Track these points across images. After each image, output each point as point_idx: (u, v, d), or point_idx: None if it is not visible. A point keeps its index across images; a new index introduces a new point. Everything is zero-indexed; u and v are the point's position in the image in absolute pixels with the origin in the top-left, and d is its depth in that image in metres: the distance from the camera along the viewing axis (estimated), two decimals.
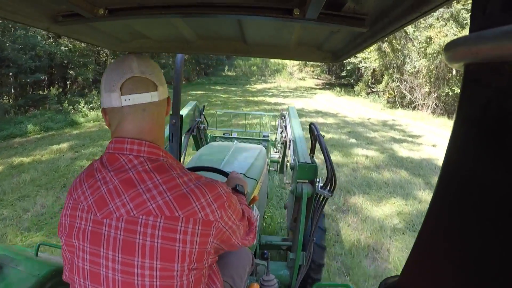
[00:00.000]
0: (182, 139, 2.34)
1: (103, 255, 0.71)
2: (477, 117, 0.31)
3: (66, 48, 11.68)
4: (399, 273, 0.43)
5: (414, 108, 15.53)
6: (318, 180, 1.85)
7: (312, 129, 1.99)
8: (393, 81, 16.54)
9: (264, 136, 4.17)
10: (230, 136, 4.02)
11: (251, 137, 4.18)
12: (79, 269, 0.76)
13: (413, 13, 0.67)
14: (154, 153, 0.78)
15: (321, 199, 1.85)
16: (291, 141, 2.63)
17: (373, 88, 18.90)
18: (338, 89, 20.58)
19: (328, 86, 22.93)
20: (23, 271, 1.44)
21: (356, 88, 19.88)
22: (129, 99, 0.77)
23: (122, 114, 0.79)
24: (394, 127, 10.63)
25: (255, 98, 15.67)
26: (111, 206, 0.72)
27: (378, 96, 17.86)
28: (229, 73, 24.63)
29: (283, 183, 4.47)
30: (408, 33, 14.63)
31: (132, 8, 0.96)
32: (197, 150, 3.20)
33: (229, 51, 1.54)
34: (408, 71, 15.63)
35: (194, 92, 16.29)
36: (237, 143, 3.04)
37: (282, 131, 3.69)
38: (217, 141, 3.67)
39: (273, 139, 4.38)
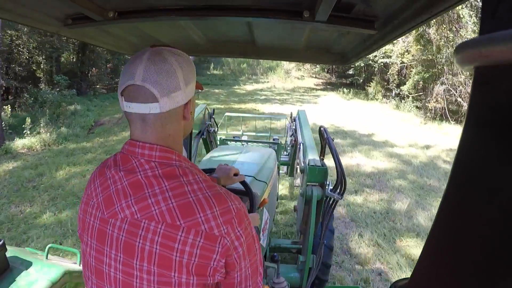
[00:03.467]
0: (192, 143, 2.50)
1: (106, 254, 0.74)
2: (487, 120, 0.32)
3: None
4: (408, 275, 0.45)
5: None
6: (328, 183, 1.90)
7: (322, 132, 2.07)
8: (442, 83, 13.13)
9: (274, 139, 4.25)
10: (240, 139, 4.19)
11: (261, 140, 4.31)
12: (88, 263, 0.80)
13: (423, 15, 0.71)
14: (166, 157, 0.77)
15: (331, 201, 1.91)
16: (301, 144, 2.71)
17: (394, 90, 15.91)
18: (345, 90, 18.01)
19: (330, 86, 20.49)
20: (33, 274, 1.56)
21: (370, 90, 16.87)
22: (130, 107, 0.76)
23: (128, 118, 0.80)
24: None
25: (242, 106, 12.72)
26: (117, 206, 0.74)
27: (403, 101, 15.00)
28: (215, 72, 21.76)
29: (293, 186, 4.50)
30: (462, 16, 11.58)
31: (142, 11, 1.03)
32: (207, 153, 3.27)
33: (239, 54, 1.66)
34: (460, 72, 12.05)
35: None
36: (247, 146, 3.27)
37: (292, 134, 3.83)
38: (227, 144, 3.79)
39: (283, 142, 4.46)
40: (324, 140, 2.02)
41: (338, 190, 1.80)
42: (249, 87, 18.96)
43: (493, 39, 0.28)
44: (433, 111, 13.40)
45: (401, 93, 15.57)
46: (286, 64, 22.37)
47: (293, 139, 3.74)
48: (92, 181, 0.84)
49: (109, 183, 0.78)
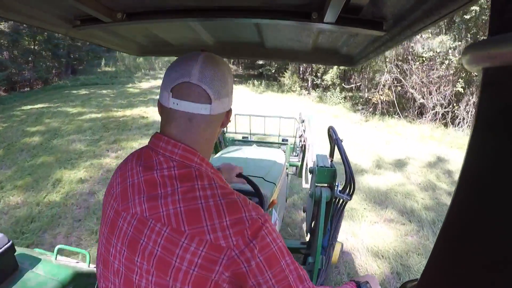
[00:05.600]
0: None
1: (113, 244, 0.77)
2: (496, 122, 0.32)
3: None
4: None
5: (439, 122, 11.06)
6: (337, 184, 1.92)
7: (331, 133, 2.09)
8: (389, 72, 11.79)
9: (283, 140, 4.33)
10: (249, 139, 4.29)
11: (270, 141, 4.52)
12: (100, 251, 0.83)
13: (432, 16, 0.72)
14: (188, 158, 0.78)
15: (340, 202, 1.95)
16: (310, 145, 2.85)
17: (315, 80, 14.77)
18: (255, 82, 16.66)
19: (238, 79, 18.92)
20: (42, 274, 1.61)
21: (285, 81, 15.68)
22: (177, 104, 0.77)
23: (169, 115, 0.81)
24: None
25: (128, 112, 10.10)
26: (131, 201, 0.76)
27: (328, 92, 13.86)
28: (107, 69, 19.46)
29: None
30: None
31: (150, 12, 1.05)
32: (215, 154, 3.29)
33: (248, 55, 1.70)
34: (419, 55, 11.09)
35: (29, 107, 10.35)
36: (256, 147, 3.26)
37: (301, 135, 3.90)
38: (236, 145, 3.80)
39: (292, 143, 4.51)
40: (333, 141, 2.05)
41: (347, 191, 1.84)
42: (145, 84, 16.75)
43: (502, 40, 0.28)
44: (379, 105, 12.39)
45: (323, 83, 14.57)
46: None
47: (302, 140, 3.77)
48: (116, 171, 0.86)
49: (127, 175, 0.80)
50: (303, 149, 3.64)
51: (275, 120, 4.64)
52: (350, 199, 1.87)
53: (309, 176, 2.32)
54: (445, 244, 0.40)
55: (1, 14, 1.00)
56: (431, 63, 11.20)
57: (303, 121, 3.94)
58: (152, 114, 10.10)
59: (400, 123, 11.44)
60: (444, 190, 5.67)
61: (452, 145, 9.27)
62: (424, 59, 11.11)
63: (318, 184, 2.02)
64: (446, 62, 10.73)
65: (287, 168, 3.42)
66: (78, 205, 4.40)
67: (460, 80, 10.79)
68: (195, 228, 0.68)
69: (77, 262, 2.03)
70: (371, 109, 12.44)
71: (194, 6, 0.99)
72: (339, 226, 2.47)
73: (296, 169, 4.27)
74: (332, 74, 13.78)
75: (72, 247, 2.29)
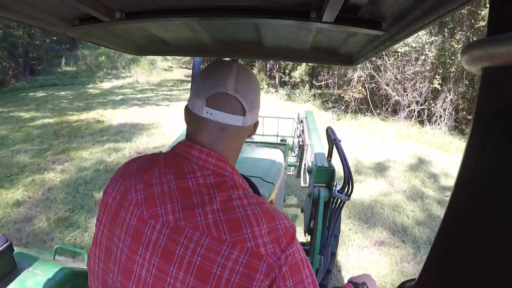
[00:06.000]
0: None
1: (141, 254, 0.74)
2: (495, 122, 0.32)
3: None
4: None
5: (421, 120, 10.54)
6: (335, 184, 1.93)
7: (329, 133, 2.12)
8: (362, 69, 11.21)
9: (282, 140, 4.24)
10: (247, 140, 4.17)
11: (269, 141, 4.26)
12: (117, 258, 0.79)
13: (431, 16, 0.73)
14: (221, 167, 0.79)
15: (338, 202, 1.97)
16: (308, 145, 2.80)
17: (283, 77, 14.25)
18: None
19: None
20: (40, 274, 1.61)
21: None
22: (211, 114, 0.79)
23: (200, 123, 0.81)
24: None
25: (83, 116, 9.36)
26: (160, 209, 0.74)
27: (297, 90, 13.53)
28: (68, 68, 18.43)
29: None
30: None
31: (149, 11, 1.06)
32: None
33: (246, 54, 1.69)
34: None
35: None
36: (254, 147, 3.30)
37: (300, 135, 3.97)
38: None
39: (291, 143, 4.51)
40: (331, 141, 2.07)
41: (345, 191, 1.85)
42: (107, 84, 16.11)
43: (501, 40, 0.29)
44: (352, 102, 11.90)
45: (291, 80, 14.08)
46: None
47: (301, 140, 3.81)
48: (133, 174, 0.83)
49: (154, 182, 0.78)
50: (302, 149, 3.67)
51: (273, 120, 4.68)
52: (349, 199, 1.87)
53: (307, 176, 2.34)
54: (444, 244, 0.40)
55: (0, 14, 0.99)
56: (406, 58, 10.78)
57: (301, 121, 3.97)
58: (109, 117, 9.59)
59: (373, 121, 11.09)
60: (433, 199, 5.35)
61: (431, 144, 8.94)
62: (398, 54, 10.67)
63: (317, 184, 2.02)
64: (422, 57, 10.31)
65: (285, 168, 3.45)
66: (9, 236, 3.75)
67: (437, 76, 10.43)
68: (236, 237, 0.69)
69: (74, 262, 2.04)
70: (343, 107, 12.00)
71: (192, 5, 1.00)
72: (339, 225, 2.52)
73: (295, 169, 4.29)
74: (300, 70, 13.48)
75: (70, 246, 2.33)
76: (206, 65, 0.91)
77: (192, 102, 0.82)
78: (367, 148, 8.04)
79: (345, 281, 1.53)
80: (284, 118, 4.90)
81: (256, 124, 0.90)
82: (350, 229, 4.30)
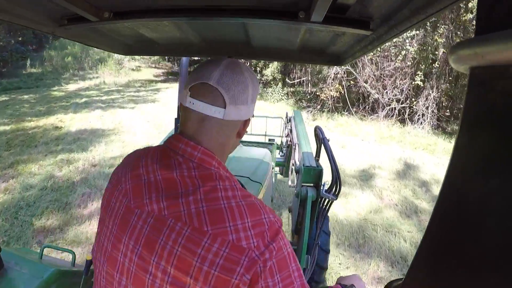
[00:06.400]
0: None
1: (124, 242, 0.75)
2: (482, 121, 0.33)
3: None
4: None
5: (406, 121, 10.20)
6: (323, 183, 1.95)
7: (317, 133, 2.13)
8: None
9: (270, 140, 4.37)
10: None
11: (257, 141, 4.32)
12: (104, 247, 0.81)
13: (418, 16, 0.74)
14: (206, 161, 0.80)
15: (325, 202, 1.98)
16: (296, 145, 2.78)
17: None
18: None
19: (173, 77, 18.61)
20: (27, 273, 1.60)
21: None
22: (193, 103, 0.80)
23: (186, 114, 0.83)
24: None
25: (41, 122, 8.75)
26: (146, 198, 0.76)
27: (270, 89, 13.22)
28: (34, 70, 17.59)
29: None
30: None
31: (138, 11, 1.07)
32: None
33: (234, 54, 1.68)
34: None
35: None
36: (242, 146, 3.22)
37: (288, 135, 3.93)
38: None
39: (279, 142, 4.55)
40: (320, 140, 2.08)
41: (333, 191, 1.86)
42: (73, 86, 15.44)
43: (489, 39, 0.29)
44: (329, 101, 11.38)
45: (263, 78, 13.61)
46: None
47: (289, 139, 3.79)
48: (125, 165, 0.86)
49: (141, 172, 0.80)
50: (290, 149, 3.67)
51: (261, 120, 4.60)
52: (336, 199, 1.88)
53: (295, 175, 2.33)
54: (431, 244, 0.40)
55: None
56: (386, 54, 10.30)
57: (289, 121, 3.95)
58: (69, 123, 8.99)
59: (351, 121, 10.71)
60: (428, 213, 4.84)
61: (415, 146, 8.57)
62: (378, 49, 10.19)
63: (304, 184, 2.03)
64: (403, 52, 9.83)
65: (273, 168, 3.45)
66: None
67: (419, 72, 9.97)
68: (218, 228, 0.68)
69: (61, 261, 2.06)
70: (318, 106, 11.51)
71: (181, 5, 0.99)
72: (326, 227, 2.55)
73: (283, 168, 4.29)
74: (272, 68, 13.22)
75: (58, 246, 2.36)
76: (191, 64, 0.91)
77: (182, 95, 0.84)
78: (348, 152, 7.59)
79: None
80: (272, 118, 4.80)
81: (246, 122, 0.89)
82: (340, 264, 3.70)
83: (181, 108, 0.85)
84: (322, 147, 2.05)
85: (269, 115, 4.68)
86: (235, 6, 0.96)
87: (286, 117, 4.32)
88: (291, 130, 3.64)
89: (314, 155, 2.24)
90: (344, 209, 4.78)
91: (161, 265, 0.69)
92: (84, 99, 12.09)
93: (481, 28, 0.33)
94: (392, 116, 10.52)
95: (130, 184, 0.79)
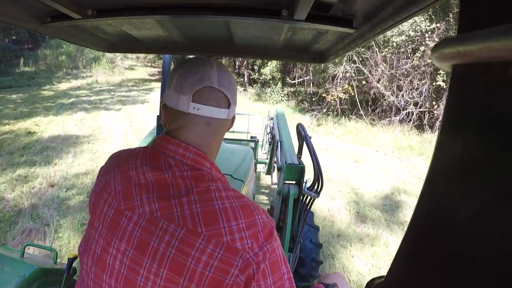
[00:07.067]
0: None
1: (114, 245, 0.74)
2: (464, 119, 0.33)
3: None
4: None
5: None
6: (305, 181, 1.96)
7: (299, 130, 2.13)
8: (348, 61, 9.71)
9: (252, 137, 4.48)
10: None
11: (239, 138, 4.49)
12: (92, 250, 0.80)
13: (402, 14, 0.73)
14: (199, 162, 0.79)
15: (307, 200, 1.99)
16: (279, 142, 2.80)
17: (251, 75, 12.94)
18: None
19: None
20: (8, 271, 1.61)
21: None
22: (198, 109, 0.79)
23: (186, 120, 0.81)
24: None
25: (17, 126, 8.32)
26: (137, 200, 0.74)
27: (268, 89, 12.43)
28: (26, 69, 17.63)
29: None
30: None
31: (121, 9, 1.06)
32: None
33: (217, 52, 1.70)
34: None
35: None
36: (223, 144, 3.17)
37: (270, 132, 3.96)
38: None
39: (261, 140, 4.63)
40: (302, 138, 2.09)
41: (315, 188, 1.87)
42: (64, 85, 15.44)
43: (471, 38, 0.30)
44: (337, 104, 10.32)
45: (261, 77, 12.73)
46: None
47: (271, 137, 3.83)
48: (112, 168, 0.84)
49: (131, 174, 0.78)
50: (272, 146, 3.64)
51: (243, 117, 4.66)
52: (318, 197, 1.89)
53: (277, 173, 2.35)
54: (412, 242, 0.40)
55: None
56: (402, 50, 9.14)
57: (271, 118, 3.95)
58: (45, 127, 8.49)
59: (362, 126, 9.67)
60: None
61: None
62: (392, 45, 9.05)
63: (286, 181, 2.03)
64: (422, 48, 8.67)
65: (255, 166, 3.54)
66: None
67: (440, 71, 8.76)
68: (212, 230, 0.68)
69: (42, 259, 2.10)
70: (324, 109, 10.43)
71: (164, 3, 0.99)
72: (311, 221, 2.71)
73: (265, 166, 4.31)
74: (271, 67, 12.63)
75: (39, 244, 2.41)
76: (174, 62, 0.89)
77: (174, 100, 0.81)
78: (365, 171, 6.32)
79: None
80: (254, 115, 4.83)
81: (233, 119, 0.90)
82: None
83: (174, 114, 0.82)
84: (305, 145, 2.03)
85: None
86: (218, 4, 0.95)
87: (269, 114, 4.32)
88: (273, 128, 3.65)
89: (296, 153, 2.25)
90: (367, 264, 3.60)
91: (153, 268, 0.69)
92: (71, 99, 11.88)
93: (463, 27, 0.34)
94: (409, 121, 9.36)
95: (120, 186, 0.78)
